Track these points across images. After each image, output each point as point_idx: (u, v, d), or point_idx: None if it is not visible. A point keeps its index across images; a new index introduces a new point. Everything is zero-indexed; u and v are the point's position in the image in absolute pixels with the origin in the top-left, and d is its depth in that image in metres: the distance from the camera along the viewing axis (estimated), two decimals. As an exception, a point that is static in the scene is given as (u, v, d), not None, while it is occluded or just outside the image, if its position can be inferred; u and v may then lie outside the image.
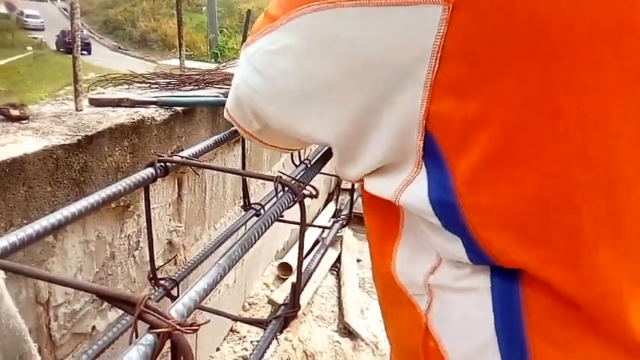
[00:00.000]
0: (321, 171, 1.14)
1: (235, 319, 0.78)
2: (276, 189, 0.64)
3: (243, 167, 0.98)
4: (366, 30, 0.40)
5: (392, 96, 0.41)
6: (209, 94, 1.35)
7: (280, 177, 0.63)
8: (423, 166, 0.43)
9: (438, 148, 0.41)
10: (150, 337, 0.33)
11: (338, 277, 3.05)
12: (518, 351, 0.45)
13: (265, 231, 0.55)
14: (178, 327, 0.34)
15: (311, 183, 0.73)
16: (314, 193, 0.64)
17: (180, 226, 1.50)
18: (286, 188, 0.63)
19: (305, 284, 0.86)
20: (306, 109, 0.49)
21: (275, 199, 0.61)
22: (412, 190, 0.44)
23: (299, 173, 1.09)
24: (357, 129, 0.46)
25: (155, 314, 0.34)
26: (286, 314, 0.73)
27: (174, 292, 0.82)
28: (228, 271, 0.47)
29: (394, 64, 0.40)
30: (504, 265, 0.44)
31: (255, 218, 1.04)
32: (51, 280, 0.39)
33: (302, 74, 0.47)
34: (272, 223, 0.57)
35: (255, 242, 0.53)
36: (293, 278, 0.72)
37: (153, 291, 0.81)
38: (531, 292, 0.44)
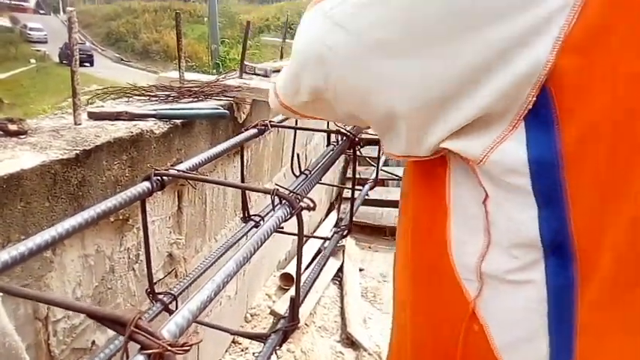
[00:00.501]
0: (322, 181, 1.13)
1: (234, 333, 0.77)
2: (273, 202, 0.63)
3: (242, 179, 0.98)
4: None
5: (512, 51, 0.39)
6: (208, 106, 1.35)
7: (277, 190, 0.62)
8: (522, 124, 0.42)
9: (551, 106, 0.40)
10: (140, 358, 0.33)
11: (340, 286, 3.03)
12: (567, 340, 0.47)
13: (261, 245, 0.55)
14: (169, 347, 0.33)
15: (312, 193, 0.72)
16: (311, 205, 0.63)
17: (180, 239, 1.50)
18: (284, 201, 0.62)
19: (305, 296, 0.85)
20: (397, 68, 0.45)
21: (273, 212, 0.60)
22: (507, 148, 0.43)
23: (298, 185, 1.09)
24: (453, 91, 0.43)
25: (146, 335, 0.34)
26: (285, 328, 0.72)
27: (172, 306, 0.81)
28: (223, 287, 0.46)
29: (531, 15, 0.38)
30: (579, 243, 0.44)
31: (255, 231, 1.03)
32: (39, 299, 0.38)
33: (404, 27, 0.44)
34: (268, 236, 0.56)
35: (251, 257, 0.52)
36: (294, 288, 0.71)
37: (151, 305, 0.80)
38: (586, 284, 0.45)
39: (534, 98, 0.40)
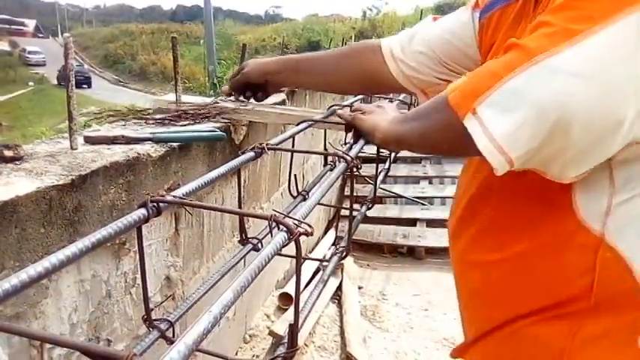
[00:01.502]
0: (320, 202, 1.13)
1: (232, 359, 0.76)
2: (270, 228, 0.62)
3: (240, 204, 0.97)
4: None
5: None
6: (205, 128, 1.35)
7: (275, 215, 0.62)
8: None
9: None
10: (135, 397, 0.32)
11: (339, 305, 3.01)
12: None
13: (259, 273, 0.54)
14: (165, 385, 0.32)
15: (310, 213, 0.72)
16: (309, 231, 0.63)
17: (177, 261, 1.48)
18: (281, 227, 0.62)
19: (305, 319, 0.84)
20: (630, 94, 0.59)
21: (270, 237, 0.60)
22: None
23: (295, 206, 1.09)
24: None
25: (141, 372, 0.33)
26: (284, 355, 0.71)
27: (169, 332, 0.80)
28: (221, 318, 0.45)
29: None
30: None
31: (253, 252, 1.02)
32: (29, 335, 0.38)
33: (627, 66, 0.58)
34: (267, 263, 0.55)
35: (249, 285, 0.52)
36: (292, 310, 0.70)
37: (148, 333, 0.79)
38: None
39: None
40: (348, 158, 0.91)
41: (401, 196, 4.47)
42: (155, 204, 0.65)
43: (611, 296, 0.73)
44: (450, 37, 1.02)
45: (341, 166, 0.91)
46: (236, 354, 2.34)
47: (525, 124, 0.61)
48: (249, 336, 2.52)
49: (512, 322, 0.81)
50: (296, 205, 1.11)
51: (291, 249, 0.62)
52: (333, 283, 3.12)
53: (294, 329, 0.67)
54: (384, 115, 0.98)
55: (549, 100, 0.60)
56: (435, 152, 0.95)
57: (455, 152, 0.80)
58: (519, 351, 0.81)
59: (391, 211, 4.29)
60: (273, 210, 0.63)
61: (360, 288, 3.30)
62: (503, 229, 0.83)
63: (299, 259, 0.62)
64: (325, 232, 3.91)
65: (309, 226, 0.63)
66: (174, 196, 0.68)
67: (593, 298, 0.73)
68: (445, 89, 0.71)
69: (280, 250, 0.59)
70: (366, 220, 3.85)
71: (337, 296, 3.09)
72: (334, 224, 4.02)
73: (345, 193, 4.17)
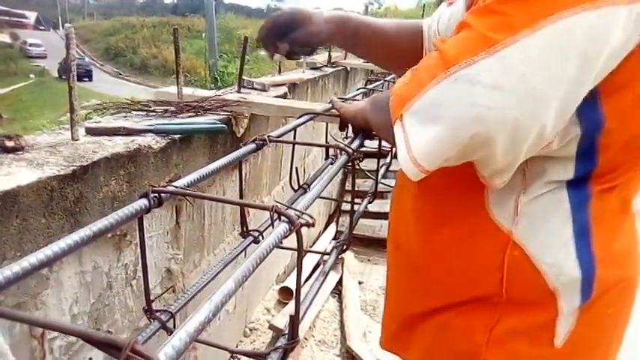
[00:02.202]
0: (321, 195, 1.12)
1: (232, 351, 0.76)
2: (272, 219, 0.62)
3: (241, 195, 0.97)
4: (616, 27, 0.55)
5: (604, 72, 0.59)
6: (206, 120, 1.35)
7: (276, 206, 0.62)
8: None
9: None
10: (137, 384, 0.32)
11: (340, 300, 3.01)
12: (587, 239, 0.70)
13: (260, 263, 0.54)
14: (166, 372, 0.32)
15: (311, 206, 0.72)
16: (311, 222, 0.63)
17: (178, 254, 1.48)
18: (283, 218, 0.61)
19: (305, 312, 0.84)
20: (552, 102, 0.58)
21: (272, 229, 0.59)
22: None
23: (296, 199, 1.08)
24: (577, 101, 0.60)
25: (142, 359, 0.33)
26: (285, 346, 0.71)
27: (170, 323, 0.80)
28: (222, 307, 0.45)
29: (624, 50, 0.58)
30: (601, 169, 0.68)
31: (253, 245, 1.02)
32: (33, 322, 0.38)
33: (550, 73, 0.56)
34: (268, 254, 0.55)
35: (250, 275, 0.51)
36: (293, 304, 0.70)
37: (149, 323, 0.79)
38: (598, 192, 0.69)
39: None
40: (350, 150, 0.91)
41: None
42: (157, 194, 0.65)
43: (521, 294, 0.73)
44: (453, 23, 1.01)
45: (342, 159, 0.91)
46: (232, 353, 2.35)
47: (442, 138, 0.61)
48: (250, 330, 2.52)
49: (439, 312, 0.82)
50: (297, 198, 1.10)
51: (292, 241, 0.62)
52: (333, 278, 3.12)
53: (295, 321, 0.67)
54: (366, 101, 0.95)
55: (466, 114, 0.58)
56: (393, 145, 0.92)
57: None
58: (448, 341, 0.82)
59: (392, 206, 4.29)
60: (275, 201, 0.63)
61: (360, 283, 3.30)
62: (425, 219, 0.84)
63: (300, 250, 0.62)
64: (326, 227, 3.92)
65: (311, 217, 0.63)
66: (176, 187, 0.68)
67: (505, 294, 0.73)
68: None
69: (282, 240, 0.59)
70: (368, 215, 3.85)
71: (338, 291, 3.10)
72: (335, 219, 4.02)
73: (347, 188, 4.16)
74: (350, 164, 0.95)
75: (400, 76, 0.73)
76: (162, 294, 1.35)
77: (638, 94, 0.63)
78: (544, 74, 0.56)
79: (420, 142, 0.63)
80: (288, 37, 0.99)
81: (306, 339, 2.57)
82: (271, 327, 2.47)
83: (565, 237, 0.71)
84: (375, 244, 3.91)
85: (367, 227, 3.95)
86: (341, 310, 2.88)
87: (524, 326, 0.74)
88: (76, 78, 1.08)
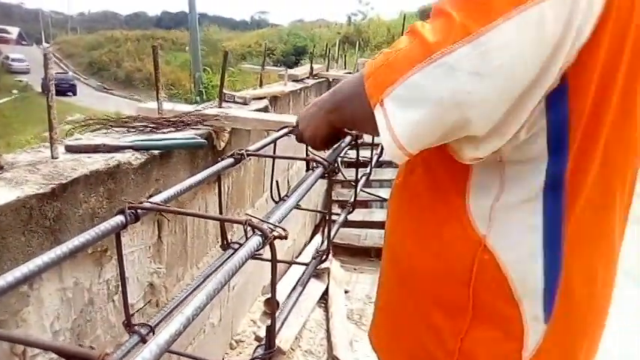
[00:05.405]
0: (302, 206, 1.14)
1: (212, 363, 0.78)
2: (245, 232, 0.64)
3: (220, 209, 0.99)
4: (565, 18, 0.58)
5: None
6: (185, 135, 1.36)
7: (249, 220, 0.64)
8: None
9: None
10: (107, 394, 0.33)
11: (326, 309, 3.02)
12: (557, 250, 0.71)
13: (233, 276, 0.56)
14: (135, 383, 0.34)
15: (295, 217, 0.74)
16: (283, 234, 0.65)
17: (161, 268, 1.49)
18: (256, 230, 0.63)
19: (283, 322, 0.85)
20: (517, 96, 0.61)
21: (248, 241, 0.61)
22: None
23: (272, 212, 1.10)
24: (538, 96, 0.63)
25: (112, 370, 0.35)
26: (262, 356, 0.73)
27: (150, 337, 0.81)
28: (193, 319, 0.47)
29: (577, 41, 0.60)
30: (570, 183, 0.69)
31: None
32: (5, 338, 0.39)
33: (521, 64, 0.59)
34: (240, 267, 0.57)
35: (222, 288, 0.53)
36: (277, 315, 0.72)
37: (129, 337, 0.80)
38: (572, 203, 0.70)
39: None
40: (325, 163, 0.93)
41: (386, 200, 4.48)
42: (133, 210, 0.67)
43: (488, 300, 0.74)
44: None
45: (318, 171, 0.93)
46: (222, 360, 2.34)
47: (425, 122, 0.63)
48: (236, 342, 2.52)
49: (422, 316, 0.83)
50: (273, 211, 1.12)
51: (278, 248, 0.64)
52: (319, 288, 3.13)
53: (271, 330, 0.69)
54: (320, 98, 0.94)
55: (448, 98, 0.61)
56: (363, 132, 0.94)
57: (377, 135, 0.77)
58: (426, 346, 0.83)
59: (377, 214, 4.31)
60: (247, 214, 0.65)
61: (346, 292, 3.32)
62: (412, 223, 0.87)
63: (274, 262, 0.64)
64: (312, 237, 3.93)
65: (284, 230, 0.65)
66: (152, 203, 0.69)
67: (472, 296, 0.74)
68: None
69: (254, 253, 0.61)
70: (353, 224, 3.87)
71: (324, 300, 3.11)
72: (320, 230, 4.04)
73: (334, 198, 4.19)
74: (327, 175, 0.97)
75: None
76: (142, 307, 1.36)
77: (604, 86, 0.65)
78: (520, 59, 0.59)
79: (402, 125, 0.65)
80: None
81: (292, 349, 2.58)
82: (257, 338, 2.47)
83: (534, 247, 0.71)
84: (360, 253, 3.93)
85: (353, 236, 3.97)
86: (327, 320, 2.89)
87: (492, 337, 0.75)
88: (54, 97, 1.09)
